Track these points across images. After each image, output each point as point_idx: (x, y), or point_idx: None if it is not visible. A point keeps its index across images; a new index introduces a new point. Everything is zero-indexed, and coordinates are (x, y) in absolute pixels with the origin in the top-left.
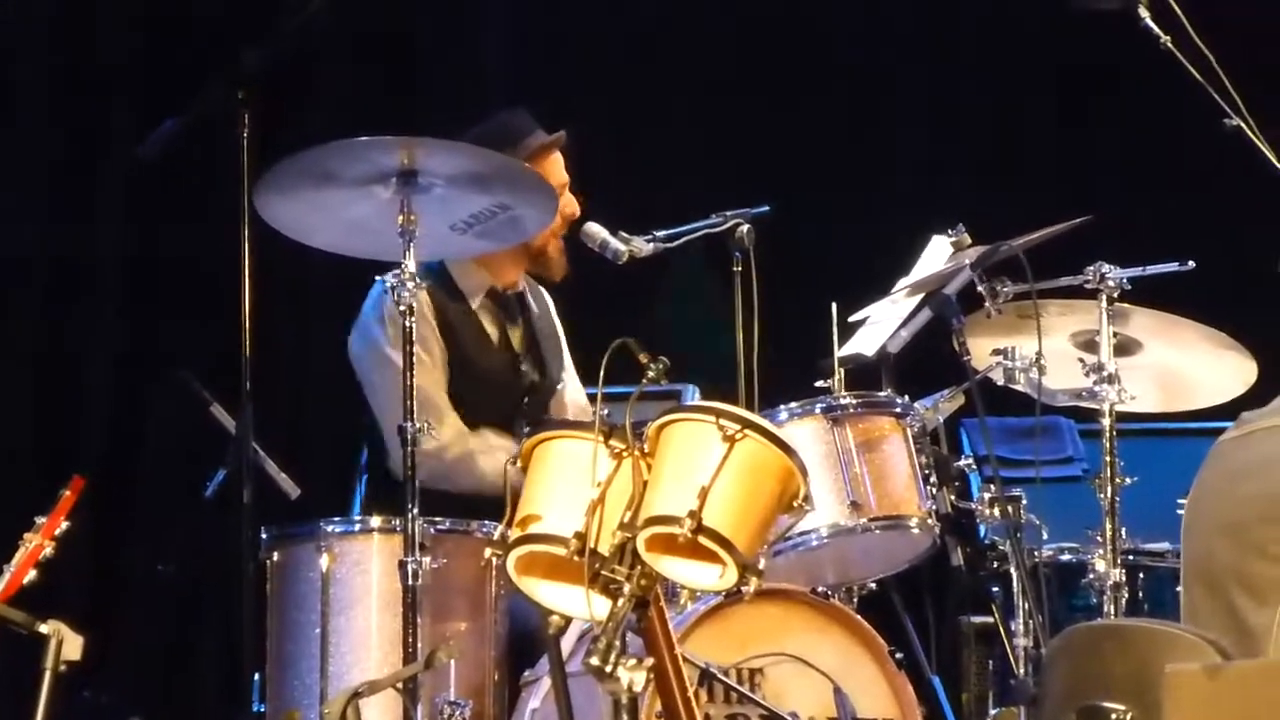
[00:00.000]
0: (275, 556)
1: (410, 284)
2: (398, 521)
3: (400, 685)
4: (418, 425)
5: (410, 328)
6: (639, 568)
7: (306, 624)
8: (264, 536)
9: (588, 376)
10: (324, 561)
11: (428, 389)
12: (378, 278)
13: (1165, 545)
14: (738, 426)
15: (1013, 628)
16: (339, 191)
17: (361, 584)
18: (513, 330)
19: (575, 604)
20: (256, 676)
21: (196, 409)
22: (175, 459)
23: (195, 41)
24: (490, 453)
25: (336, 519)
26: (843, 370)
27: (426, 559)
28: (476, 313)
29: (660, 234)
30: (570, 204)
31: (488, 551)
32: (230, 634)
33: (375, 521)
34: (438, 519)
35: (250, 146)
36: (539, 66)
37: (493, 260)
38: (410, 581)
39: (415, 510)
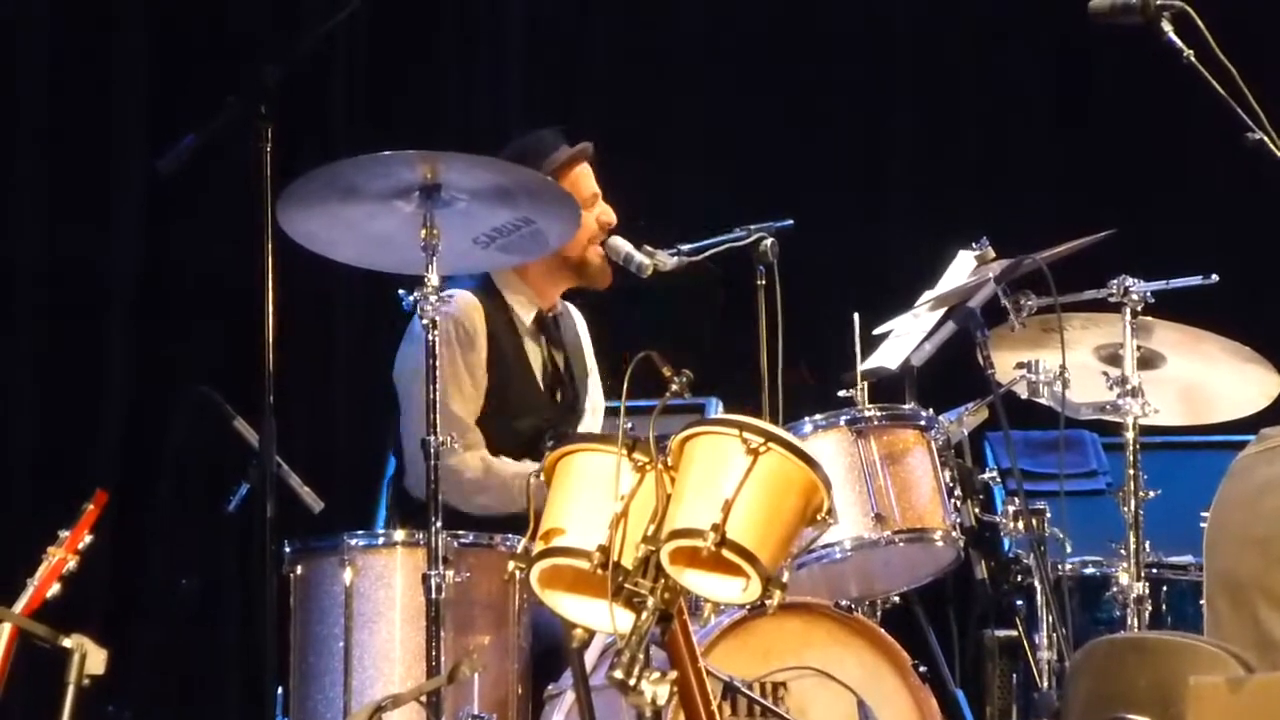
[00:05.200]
0: (298, 570)
1: (433, 298)
2: (421, 535)
3: (424, 699)
4: (441, 439)
5: (433, 341)
6: (662, 581)
7: (329, 638)
8: (287, 550)
9: (612, 389)
10: (347, 575)
11: (458, 413)
12: (401, 291)
13: (1188, 558)
14: (761, 439)
15: (1036, 641)
16: (362, 205)
17: (385, 598)
18: (556, 354)
19: (599, 617)
20: (280, 690)
21: (219, 423)
22: (198, 473)
23: (214, 52)
24: (504, 485)
25: (360, 532)
26: (866, 383)
27: (450, 572)
28: (524, 339)
29: (685, 247)
30: (606, 213)
31: (511, 565)
32: (253, 648)
33: (399, 535)
34: (461, 532)
35: (272, 160)
36: (561, 82)
37: (537, 279)
38: (433, 595)
39: (439, 524)
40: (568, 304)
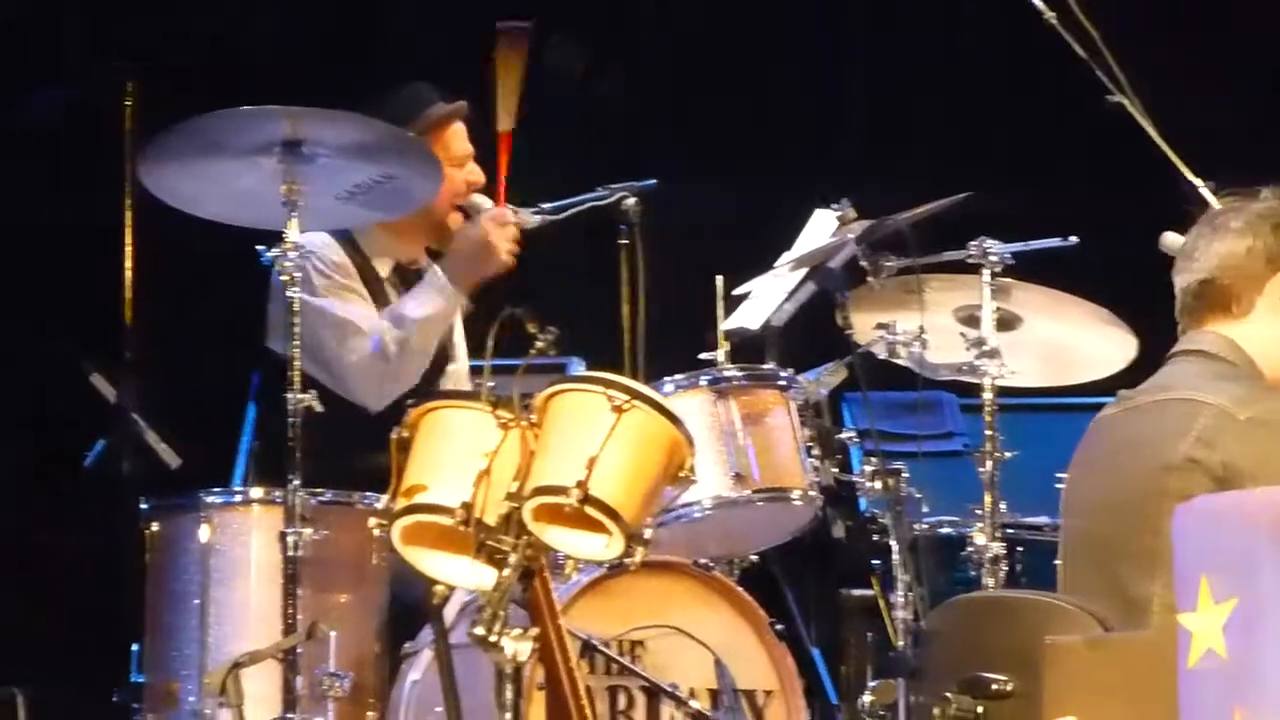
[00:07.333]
0: (155, 527)
1: (294, 254)
2: (279, 493)
3: (281, 656)
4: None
5: (294, 299)
6: (525, 538)
7: (186, 595)
8: (143, 507)
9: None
10: (204, 532)
11: (363, 309)
12: (260, 248)
13: (1044, 519)
14: (626, 397)
15: (893, 600)
16: (225, 161)
17: (242, 555)
18: None
19: (461, 574)
20: (135, 647)
21: (77, 378)
22: (55, 428)
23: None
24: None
25: (217, 489)
26: (728, 343)
27: (308, 530)
28: (385, 286)
29: (547, 206)
30: (475, 173)
31: (372, 522)
32: (110, 605)
33: (256, 493)
34: (319, 490)
35: (136, 118)
36: (437, 38)
37: (399, 235)
38: (290, 553)
39: (297, 482)
40: (433, 262)
